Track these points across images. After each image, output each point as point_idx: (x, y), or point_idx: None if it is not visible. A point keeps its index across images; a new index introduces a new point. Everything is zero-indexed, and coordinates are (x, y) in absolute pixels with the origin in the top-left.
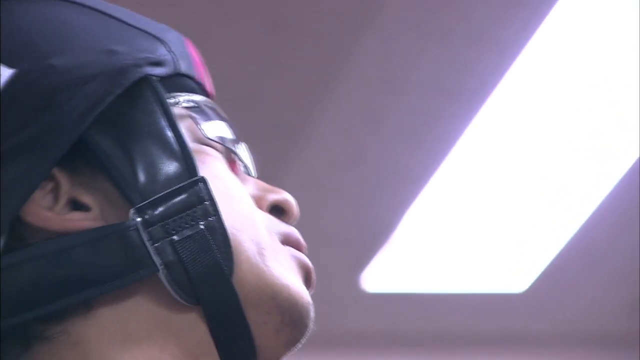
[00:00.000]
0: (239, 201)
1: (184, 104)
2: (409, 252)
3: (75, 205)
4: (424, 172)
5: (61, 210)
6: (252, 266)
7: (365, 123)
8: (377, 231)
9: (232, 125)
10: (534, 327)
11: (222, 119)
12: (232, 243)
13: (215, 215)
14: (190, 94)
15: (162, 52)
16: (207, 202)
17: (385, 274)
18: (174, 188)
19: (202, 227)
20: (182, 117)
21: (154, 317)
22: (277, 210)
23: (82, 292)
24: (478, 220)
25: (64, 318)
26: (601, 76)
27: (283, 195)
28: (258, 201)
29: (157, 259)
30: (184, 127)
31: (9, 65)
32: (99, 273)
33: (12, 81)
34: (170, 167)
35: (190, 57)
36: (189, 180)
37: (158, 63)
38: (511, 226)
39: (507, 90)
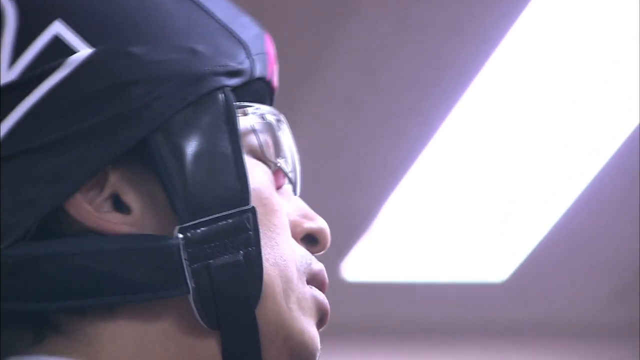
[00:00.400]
0: (280, 234)
1: (251, 116)
2: (389, 241)
3: (117, 203)
4: (403, 161)
5: (101, 204)
6: (276, 304)
7: (345, 113)
8: (357, 220)
9: (287, 136)
10: (515, 316)
11: (279, 128)
12: (265, 277)
13: (255, 247)
14: (258, 104)
15: (241, 58)
16: (250, 232)
17: (366, 263)
18: (224, 214)
19: (240, 256)
20: (246, 131)
21: (172, 334)
22: (310, 240)
23: (111, 296)
24: (458, 210)
25: (86, 316)
26: (580, 69)
27: (319, 225)
28: (294, 227)
29: (190, 281)
30: (244, 139)
31: (89, 42)
32: (131, 282)
33: (86, 62)
34: (224, 190)
35: (266, 56)
36: (240, 209)
37: (235, 73)
38: (492, 215)
39: (487, 81)
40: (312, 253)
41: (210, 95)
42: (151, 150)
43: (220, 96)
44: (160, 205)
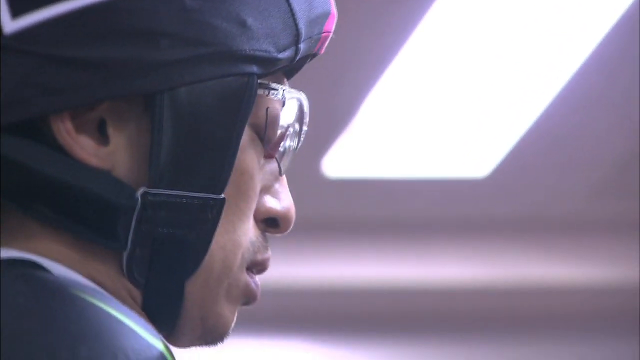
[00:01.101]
0: (241, 219)
1: (271, 98)
2: (370, 137)
3: (101, 130)
4: (384, 56)
5: (86, 123)
6: (205, 286)
7: None
8: (337, 117)
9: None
10: (496, 211)
11: (298, 120)
12: (206, 259)
13: (207, 234)
14: (283, 87)
15: (285, 43)
16: (209, 222)
17: (347, 159)
18: (191, 194)
19: (189, 236)
20: (258, 110)
21: (108, 269)
22: (272, 221)
23: (55, 214)
24: (440, 105)
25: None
26: None
27: (285, 209)
28: (259, 206)
29: (130, 241)
30: (253, 117)
31: None
32: (76, 215)
33: None
34: (203, 174)
35: (320, 36)
36: (209, 196)
37: (272, 62)
38: (473, 111)
39: None
40: (272, 233)
41: (235, 78)
42: (155, 106)
43: (247, 83)
44: (137, 157)
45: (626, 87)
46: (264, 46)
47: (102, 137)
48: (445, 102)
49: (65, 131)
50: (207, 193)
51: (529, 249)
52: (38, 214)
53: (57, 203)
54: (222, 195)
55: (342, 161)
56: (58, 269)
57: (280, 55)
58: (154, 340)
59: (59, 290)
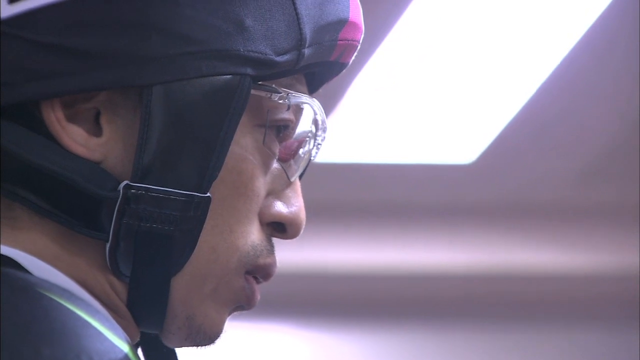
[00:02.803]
0: (240, 220)
1: (274, 101)
2: (356, 121)
3: (96, 120)
4: (370, 41)
5: (81, 112)
6: (192, 284)
7: None
8: (323, 101)
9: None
10: (483, 197)
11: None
12: (193, 258)
13: (192, 232)
14: (292, 93)
15: (285, 46)
16: (193, 220)
17: (331, 143)
18: (175, 191)
19: (172, 232)
20: (259, 115)
21: (93, 262)
22: (278, 226)
23: (39, 200)
24: (426, 90)
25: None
26: None
27: (292, 216)
28: (265, 209)
29: (112, 233)
30: (257, 118)
31: None
32: (60, 204)
33: None
34: (189, 172)
35: (335, 43)
36: (193, 194)
37: (268, 64)
38: (460, 96)
39: None
40: (279, 238)
41: (227, 78)
42: (145, 100)
43: (238, 84)
44: (129, 150)
45: (614, 73)
46: (261, 48)
47: (97, 128)
48: (432, 87)
49: (55, 119)
50: (192, 191)
51: (515, 234)
52: (23, 201)
53: (40, 189)
54: (208, 194)
55: (327, 145)
56: (38, 265)
57: (279, 59)
58: (120, 342)
59: (26, 289)
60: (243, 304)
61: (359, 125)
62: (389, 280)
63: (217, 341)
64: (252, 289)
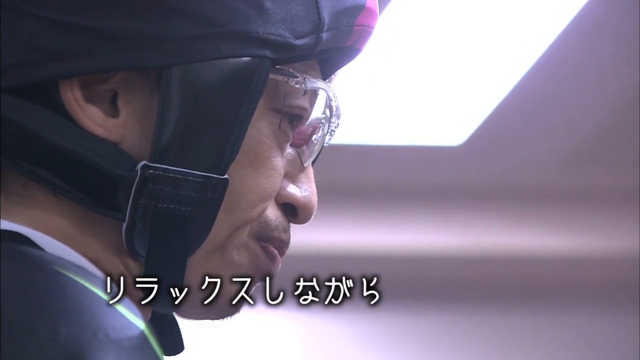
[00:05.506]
0: (258, 193)
1: (292, 86)
2: (344, 103)
3: (113, 102)
4: None
5: (100, 93)
6: (209, 257)
7: None
8: None
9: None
10: (471, 179)
11: (327, 107)
12: (210, 235)
13: (209, 213)
14: (308, 77)
15: (304, 30)
16: (211, 202)
17: None
18: (193, 172)
19: (189, 213)
20: (277, 99)
21: (109, 241)
22: (290, 209)
23: (53, 177)
24: (415, 72)
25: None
26: None
27: (304, 200)
28: (280, 191)
29: (129, 213)
30: (274, 102)
31: None
32: (76, 183)
33: None
34: (207, 153)
35: (352, 28)
36: (211, 175)
37: (287, 48)
38: (449, 78)
39: None
40: (290, 222)
41: (246, 60)
42: (164, 81)
43: (257, 66)
44: (146, 131)
45: (603, 56)
46: (280, 31)
47: (114, 109)
48: (421, 69)
49: (73, 99)
50: (210, 172)
51: (504, 216)
52: (39, 179)
53: (58, 169)
54: (226, 176)
55: None
56: (53, 244)
57: (297, 42)
58: (135, 319)
59: (42, 267)
60: (264, 270)
61: (347, 107)
62: (377, 262)
63: (235, 314)
64: (271, 252)
